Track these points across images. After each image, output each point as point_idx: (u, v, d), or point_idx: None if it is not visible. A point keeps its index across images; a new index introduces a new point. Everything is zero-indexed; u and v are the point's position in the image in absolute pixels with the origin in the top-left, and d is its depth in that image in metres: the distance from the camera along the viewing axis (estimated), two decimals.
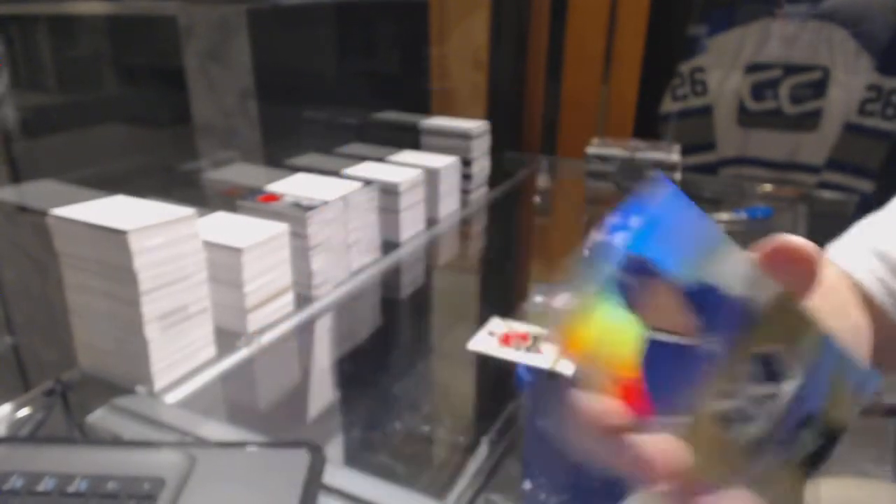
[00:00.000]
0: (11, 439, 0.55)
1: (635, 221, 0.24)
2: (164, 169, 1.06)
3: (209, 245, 0.70)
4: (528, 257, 1.26)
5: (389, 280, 0.95)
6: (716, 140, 1.54)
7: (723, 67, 1.49)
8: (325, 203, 0.82)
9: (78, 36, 1.03)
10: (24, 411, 0.59)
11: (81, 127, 1.03)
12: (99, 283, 0.61)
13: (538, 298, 0.86)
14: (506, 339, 0.76)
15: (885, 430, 0.65)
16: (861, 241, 0.40)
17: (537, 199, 1.43)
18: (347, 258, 0.89)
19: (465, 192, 1.24)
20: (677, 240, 0.25)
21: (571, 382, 0.27)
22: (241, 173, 1.00)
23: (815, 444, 0.26)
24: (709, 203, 1.32)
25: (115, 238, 0.58)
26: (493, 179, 1.33)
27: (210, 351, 0.69)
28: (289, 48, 1.00)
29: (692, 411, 0.25)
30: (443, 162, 1.11)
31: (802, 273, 0.30)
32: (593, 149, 1.36)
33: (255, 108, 0.94)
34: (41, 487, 0.44)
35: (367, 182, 0.92)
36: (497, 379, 0.81)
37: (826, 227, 1.22)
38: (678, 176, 1.30)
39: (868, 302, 0.36)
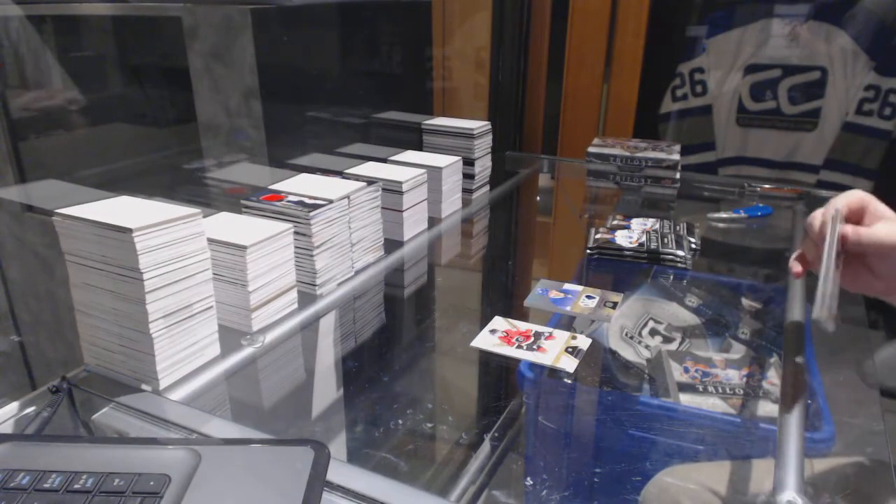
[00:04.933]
0: (18, 437, 0.55)
1: None
2: (168, 168, 1.06)
3: (214, 244, 0.71)
4: (529, 256, 1.27)
5: (392, 279, 0.95)
6: (715, 140, 1.54)
7: (722, 68, 1.49)
8: (329, 202, 0.83)
9: (83, 36, 1.03)
10: (31, 409, 0.60)
11: (86, 126, 1.03)
12: (104, 281, 0.62)
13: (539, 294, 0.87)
14: (507, 337, 0.77)
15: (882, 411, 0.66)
16: None
17: (538, 198, 1.43)
18: (350, 257, 0.89)
19: (466, 191, 1.24)
20: None
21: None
22: (245, 173, 1.00)
23: None
24: (708, 202, 1.32)
25: (121, 237, 0.58)
26: (495, 179, 1.33)
27: (215, 349, 0.69)
28: (292, 48, 1.00)
29: None
30: (445, 161, 1.11)
31: None
32: (594, 148, 1.37)
33: (258, 108, 0.94)
34: (48, 484, 0.44)
35: (370, 181, 0.92)
36: (499, 376, 0.82)
37: None
38: (678, 175, 1.31)
39: None
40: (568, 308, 0.84)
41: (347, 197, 0.86)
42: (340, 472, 0.49)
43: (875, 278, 0.58)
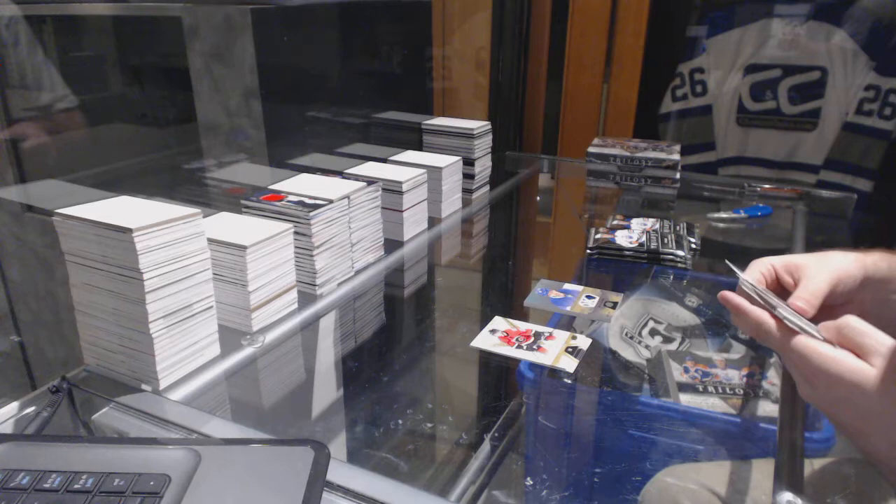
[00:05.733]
0: (18, 437, 0.55)
1: None
2: (168, 168, 1.06)
3: (214, 243, 0.71)
4: (529, 256, 1.27)
5: (392, 279, 0.95)
6: (715, 140, 1.54)
7: (722, 68, 1.49)
8: (329, 202, 0.83)
9: (83, 36, 1.03)
10: (31, 409, 0.60)
11: (87, 126, 1.04)
12: (104, 281, 0.62)
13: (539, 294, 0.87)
14: (507, 337, 0.77)
15: None
16: None
17: (538, 198, 1.43)
18: (350, 257, 0.89)
19: (466, 191, 1.24)
20: None
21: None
22: (245, 173, 1.00)
23: None
24: (708, 202, 1.32)
25: (121, 237, 0.58)
26: (495, 179, 1.33)
27: (215, 349, 0.69)
28: (293, 48, 1.00)
29: None
30: (445, 161, 1.11)
31: None
32: (594, 148, 1.37)
33: (258, 108, 0.94)
34: (47, 484, 0.44)
35: (370, 181, 0.92)
36: (499, 376, 0.82)
37: (825, 225, 1.23)
38: (678, 175, 1.31)
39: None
40: (568, 308, 0.84)
41: (347, 197, 0.86)
42: (340, 472, 0.49)
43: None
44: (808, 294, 0.53)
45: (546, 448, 0.71)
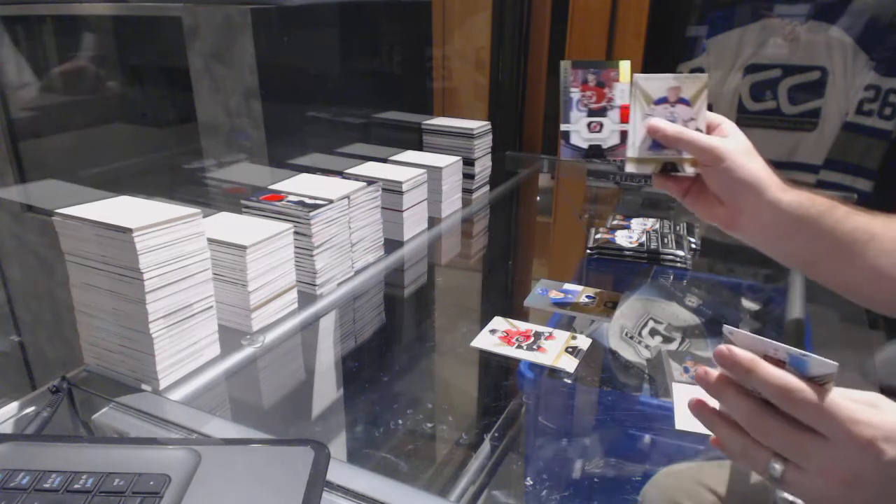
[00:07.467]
0: (18, 437, 0.55)
1: None
2: (168, 168, 1.06)
3: (214, 244, 0.71)
4: (529, 256, 1.27)
5: (392, 279, 0.95)
6: None
7: (722, 68, 1.49)
8: (329, 202, 0.83)
9: (83, 36, 1.03)
10: (31, 409, 0.60)
11: (87, 127, 1.04)
12: (104, 281, 0.62)
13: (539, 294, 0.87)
14: (507, 337, 0.77)
15: None
16: None
17: (538, 198, 1.43)
18: (350, 257, 0.89)
19: (466, 191, 1.24)
20: None
21: None
22: (245, 173, 1.00)
23: None
24: None
25: (121, 237, 0.58)
26: (495, 179, 1.33)
27: (215, 349, 0.69)
28: (293, 48, 1.00)
29: None
30: (445, 161, 1.11)
31: None
32: None
33: (258, 108, 0.94)
34: (47, 484, 0.44)
35: (370, 181, 0.92)
36: (499, 376, 0.82)
37: None
38: None
39: None
40: (568, 308, 0.84)
41: (347, 197, 0.86)
42: (340, 472, 0.49)
43: (718, 205, 0.61)
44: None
45: (546, 448, 0.71)
